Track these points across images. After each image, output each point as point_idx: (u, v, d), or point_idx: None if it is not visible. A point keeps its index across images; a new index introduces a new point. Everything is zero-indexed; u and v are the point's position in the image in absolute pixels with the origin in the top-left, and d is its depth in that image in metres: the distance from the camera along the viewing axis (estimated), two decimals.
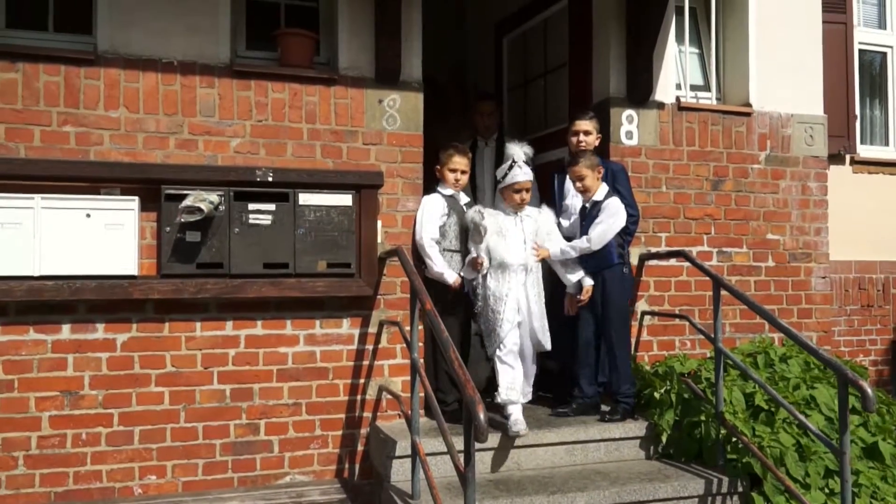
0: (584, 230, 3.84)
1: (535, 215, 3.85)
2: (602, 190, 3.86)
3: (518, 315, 3.68)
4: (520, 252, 3.72)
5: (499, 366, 3.66)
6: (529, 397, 3.81)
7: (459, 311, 3.85)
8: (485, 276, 3.72)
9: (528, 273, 3.73)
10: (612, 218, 3.78)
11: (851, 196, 5.55)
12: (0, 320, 3.35)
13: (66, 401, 3.43)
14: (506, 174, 3.74)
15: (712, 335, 3.71)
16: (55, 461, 3.41)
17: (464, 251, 3.84)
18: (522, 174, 3.72)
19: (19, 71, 3.40)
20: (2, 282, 3.28)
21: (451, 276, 3.75)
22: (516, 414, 3.57)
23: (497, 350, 3.67)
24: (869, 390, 2.82)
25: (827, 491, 3.41)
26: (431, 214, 3.79)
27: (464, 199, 3.98)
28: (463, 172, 3.89)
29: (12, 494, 3.35)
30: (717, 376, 3.59)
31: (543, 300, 3.79)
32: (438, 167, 3.90)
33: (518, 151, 3.74)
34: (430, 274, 3.75)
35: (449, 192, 3.88)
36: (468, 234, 3.73)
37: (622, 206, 3.82)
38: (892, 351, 5.71)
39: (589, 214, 3.86)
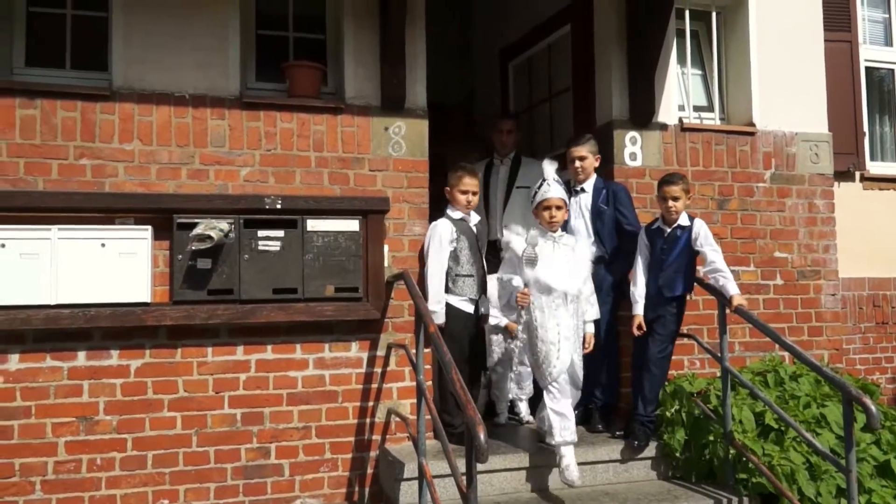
0: (667, 254, 3.81)
1: (572, 243, 3.72)
2: (685, 215, 3.87)
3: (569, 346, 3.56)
4: (560, 278, 3.56)
5: (550, 402, 3.53)
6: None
7: (468, 334, 3.87)
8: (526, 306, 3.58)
9: (567, 302, 3.58)
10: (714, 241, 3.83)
11: (862, 213, 5.53)
12: (18, 348, 3.45)
13: (82, 426, 3.50)
14: (536, 192, 3.69)
15: (720, 354, 3.71)
16: (71, 486, 3.47)
17: (480, 276, 3.86)
18: (552, 191, 3.62)
19: (38, 107, 3.53)
20: (20, 311, 3.38)
21: (440, 319, 3.71)
22: (569, 458, 3.45)
23: (550, 385, 3.54)
24: (872, 407, 2.81)
25: None
26: (440, 242, 3.78)
27: (475, 218, 3.98)
28: (474, 194, 3.90)
29: None
30: (724, 395, 3.59)
31: (579, 333, 3.66)
32: (448, 189, 3.92)
33: (550, 169, 3.66)
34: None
35: (458, 214, 3.89)
36: (516, 261, 3.59)
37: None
38: None
39: (674, 239, 3.82)
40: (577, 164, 4.09)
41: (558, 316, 3.54)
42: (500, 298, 3.71)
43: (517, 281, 3.58)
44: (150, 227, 3.58)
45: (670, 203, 3.80)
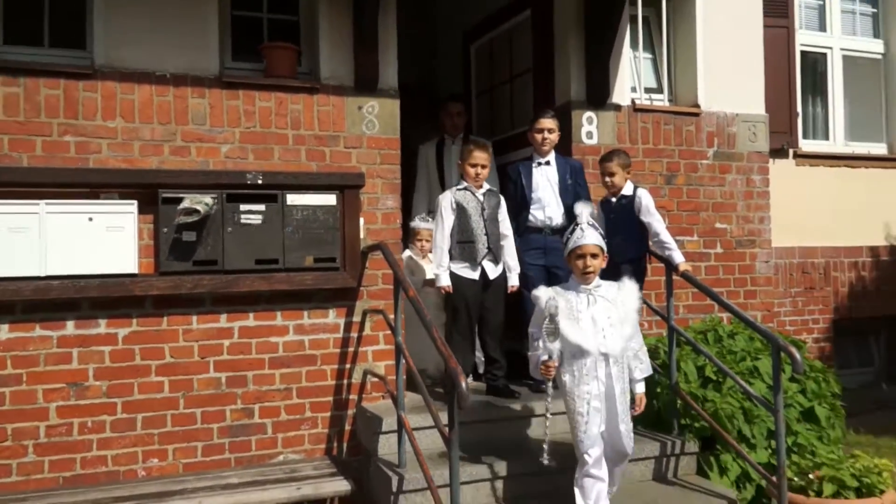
0: (614, 223, 4.10)
1: (612, 295, 3.25)
2: (629, 185, 4.18)
3: (601, 418, 3.15)
4: (592, 338, 3.15)
5: (582, 482, 3.18)
6: None
7: (473, 297, 4.07)
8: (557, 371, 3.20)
9: (608, 364, 3.16)
10: (656, 212, 4.07)
11: (795, 187, 6.01)
12: (8, 318, 3.57)
13: (72, 392, 3.66)
14: (567, 238, 3.29)
15: (667, 315, 4.10)
16: (63, 448, 3.63)
17: (482, 241, 4.04)
18: (587, 237, 3.20)
19: (21, 85, 3.62)
20: (10, 282, 3.50)
21: (444, 281, 4.02)
22: None
23: (580, 466, 3.18)
24: (797, 355, 3.22)
25: (770, 450, 3.82)
26: (441, 213, 4.06)
27: (483, 188, 4.13)
28: (483, 167, 4.05)
29: (23, 480, 3.57)
30: (670, 351, 3.99)
31: (629, 397, 3.26)
32: (459, 162, 4.15)
33: (585, 211, 3.30)
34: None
35: (463, 185, 4.12)
36: (544, 324, 3.15)
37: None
38: (832, 329, 6.20)
39: (620, 208, 4.15)
40: (547, 135, 4.30)
41: (590, 383, 3.14)
42: (530, 359, 3.30)
43: (542, 351, 3.17)
44: (135, 202, 3.72)
45: (606, 178, 4.18)
